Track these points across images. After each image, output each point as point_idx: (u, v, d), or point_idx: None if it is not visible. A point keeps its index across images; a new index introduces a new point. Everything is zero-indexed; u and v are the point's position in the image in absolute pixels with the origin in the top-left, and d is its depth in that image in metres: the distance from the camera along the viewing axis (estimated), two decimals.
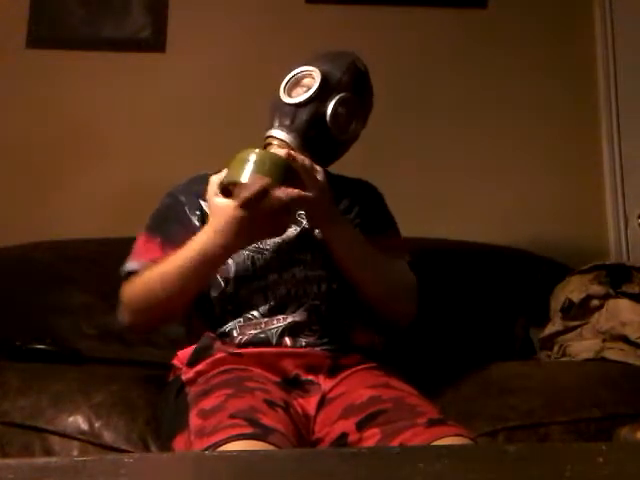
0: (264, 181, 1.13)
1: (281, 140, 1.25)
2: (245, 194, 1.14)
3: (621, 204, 2.30)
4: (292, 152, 1.20)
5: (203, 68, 2.27)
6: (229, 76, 2.28)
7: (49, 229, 2.06)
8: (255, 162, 1.15)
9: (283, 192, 1.15)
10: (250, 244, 1.27)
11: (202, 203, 1.35)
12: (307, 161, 1.21)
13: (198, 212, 1.35)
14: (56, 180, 2.18)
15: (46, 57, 2.25)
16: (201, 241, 1.21)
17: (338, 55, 1.37)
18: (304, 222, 1.32)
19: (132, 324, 1.32)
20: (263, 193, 1.14)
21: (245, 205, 1.15)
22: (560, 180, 2.31)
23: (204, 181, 1.38)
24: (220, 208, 1.19)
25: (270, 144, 1.26)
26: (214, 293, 1.30)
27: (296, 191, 1.16)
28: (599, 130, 2.36)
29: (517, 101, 2.34)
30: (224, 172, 1.21)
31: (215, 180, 1.22)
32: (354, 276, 1.29)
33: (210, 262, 1.23)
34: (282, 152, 1.20)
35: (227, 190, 1.19)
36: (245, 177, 1.14)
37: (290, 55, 2.23)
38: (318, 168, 1.23)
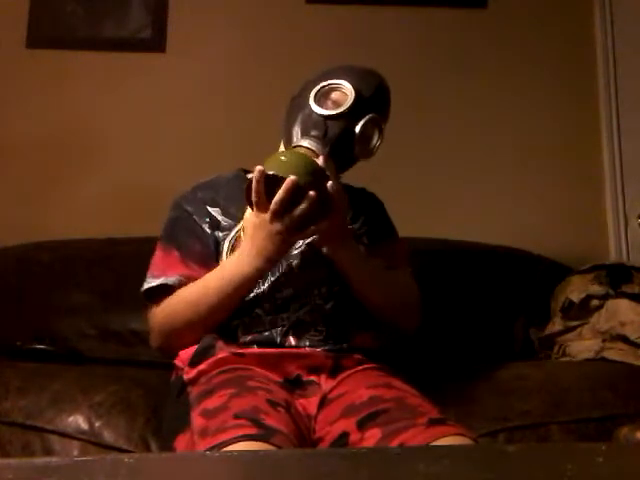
0: (292, 177, 1.11)
1: (312, 151, 1.23)
2: (275, 199, 1.13)
3: (621, 204, 2.30)
4: (328, 161, 1.19)
5: (203, 68, 2.28)
6: (229, 76, 2.29)
7: (49, 229, 2.06)
8: (286, 161, 1.14)
9: (311, 196, 1.13)
10: (284, 254, 1.26)
11: (209, 209, 1.36)
12: (337, 182, 1.21)
13: (207, 219, 1.35)
14: (56, 180, 2.19)
15: (46, 57, 2.25)
16: (236, 261, 1.23)
17: (367, 73, 1.36)
18: None
19: (164, 346, 1.32)
20: (293, 190, 1.12)
21: (276, 213, 1.14)
22: (560, 180, 2.31)
23: (208, 187, 1.40)
24: (254, 226, 1.20)
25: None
26: None
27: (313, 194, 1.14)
28: (599, 130, 2.36)
29: (517, 101, 2.34)
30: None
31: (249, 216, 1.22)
32: (362, 294, 1.30)
33: (245, 282, 1.24)
34: (319, 160, 1.18)
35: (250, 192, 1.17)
36: (274, 170, 1.12)
37: (290, 55, 2.26)
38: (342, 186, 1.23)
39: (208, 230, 1.34)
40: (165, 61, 2.29)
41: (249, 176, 1.28)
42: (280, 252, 1.22)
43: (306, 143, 1.23)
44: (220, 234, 1.33)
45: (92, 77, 2.25)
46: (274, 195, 1.13)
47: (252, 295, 1.28)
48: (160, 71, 2.28)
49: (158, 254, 1.35)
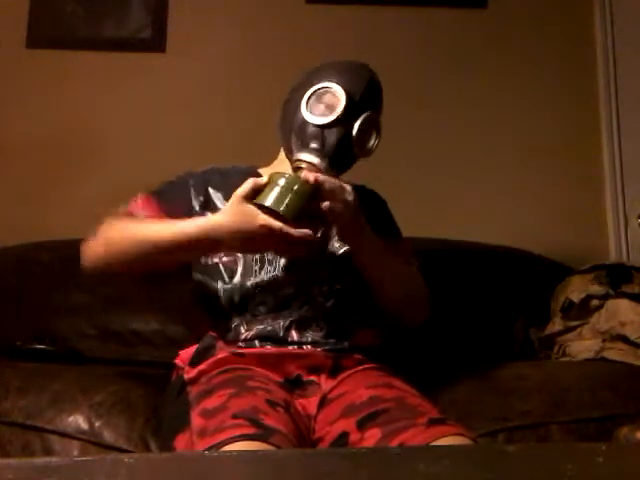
0: (302, 232, 1.14)
1: (311, 164, 1.23)
2: (275, 226, 1.13)
3: (621, 204, 2.30)
4: (321, 177, 1.19)
5: (203, 68, 2.28)
6: (229, 76, 2.29)
7: (49, 229, 2.05)
8: (281, 188, 1.15)
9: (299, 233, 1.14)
10: (246, 253, 1.28)
11: (210, 190, 1.37)
12: (337, 183, 1.21)
13: (201, 197, 1.36)
14: (56, 180, 2.19)
15: (46, 57, 2.25)
16: (198, 226, 1.21)
17: (355, 69, 1.35)
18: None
19: (88, 262, 1.32)
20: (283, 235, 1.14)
21: (267, 230, 1.14)
22: (560, 180, 2.31)
23: (219, 173, 1.42)
24: (242, 212, 1.17)
25: (300, 168, 1.24)
26: (220, 286, 1.31)
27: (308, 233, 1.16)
28: (599, 130, 2.36)
29: (517, 101, 2.34)
30: (265, 177, 1.20)
31: (250, 184, 1.18)
32: (379, 285, 1.31)
33: (192, 249, 1.23)
34: (311, 177, 1.18)
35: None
36: (269, 202, 1.15)
37: (290, 55, 2.25)
38: (348, 188, 1.22)
39: (197, 207, 1.35)
40: (165, 61, 2.29)
41: (261, 170, 1.28)
42: (242, 249, 1.23)
43: (306, 157, 1.24)
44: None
45: (92, 77, 2.25)
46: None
47: (254, 293, 1.28)
48: (160, 71, 2.28)
49: (136, 200, 1.36)
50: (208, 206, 1.35)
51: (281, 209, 1.14)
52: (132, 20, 2.29)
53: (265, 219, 1.14)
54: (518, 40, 2.37)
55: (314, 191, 1.17)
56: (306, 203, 1.16)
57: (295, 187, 1.16)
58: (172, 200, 1.35)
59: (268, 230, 1.14)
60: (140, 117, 2.24)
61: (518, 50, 2.37)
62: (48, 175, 2.19)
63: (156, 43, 2.28)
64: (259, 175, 1.39)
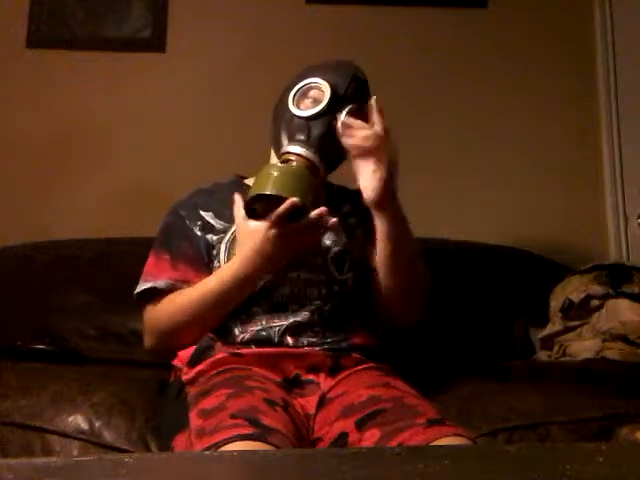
0: (293, 199, 1.14)
1: (299, 155, 1.25)
2: (276, 212, 1.15)
3: (621, 204, 2.30)
4: (311, 163, 1.22)
5: (203, 68, 2.28)
6: (229, 76, 2.28)
7: (49, 229, 2.06)
8: (279, 176, 1.16)
9: (314, 211, 1.17)
10: (284, 264, 1.27)
11: (202, 212, 1.38)
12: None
13: (199, 222, 1.37)
14: (56, 180, 2.19)
15: (46, 57, 2.25)
16: (235, 265, 1.24)
17: (339, 65, 1.37)
18: None
19: (157, 348, 1.34)
20: (294, 209, 1.15)
21: (277, 224, 1.16)
22: (560, 180, 2.31)
23: (204, 193, 1.43)
24: (251, 231, 1.20)
25: (289, 160, 1.26)
26: None
27: (324, 209, 1.18)
28: (599, 131, 2.36)
29: (517, 101, 2.34)
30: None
31: (239, 204, 1.22)
32: (390, 267, 1.31)
33: (244, 286, 1.25)
34: (302, 165, 1.21)
35: (253, 210, 1.20)
36: (271, 189, 1.15)
37: (290, 55, 2.25)
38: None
39: (199, 232, 1.36)
40: (165, 61, 2.29)
41: (247, 181, 1.30)
42: (278, 257, 1.23)
43: (292, 149, 1.25)
44: (214, 237, 1.34)
45: (92, 77, 2.25)
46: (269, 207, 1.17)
47: (250, 296, 1.28)
48: (160, 71, 2.28)
49: (150, 260, 1.37)
50: (206, 227, 1.36)
51: (281, 191, 1.15)
52: (132, 20, 2.29)
53: (269, 220, 1.16)
54: (518, 40, 2.37)
55: (309, 178, 1.19)
56: (304, 188, 1.17)
57: (291, 174, 1.18)
58: (180, 246, 1.35)
59: (279, 224, 1.16)
60: (140, 117, 2.24)
61: (518, 50, 2.37)
62: (48, 175, 2.19)
63: (156, 43, 2.28)
64: (243, 184, 1.41)
